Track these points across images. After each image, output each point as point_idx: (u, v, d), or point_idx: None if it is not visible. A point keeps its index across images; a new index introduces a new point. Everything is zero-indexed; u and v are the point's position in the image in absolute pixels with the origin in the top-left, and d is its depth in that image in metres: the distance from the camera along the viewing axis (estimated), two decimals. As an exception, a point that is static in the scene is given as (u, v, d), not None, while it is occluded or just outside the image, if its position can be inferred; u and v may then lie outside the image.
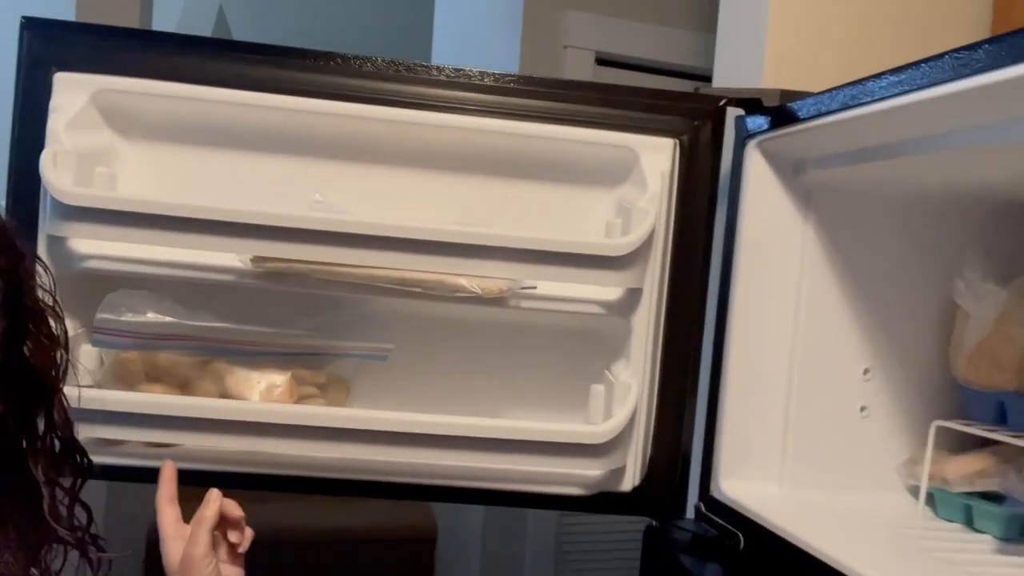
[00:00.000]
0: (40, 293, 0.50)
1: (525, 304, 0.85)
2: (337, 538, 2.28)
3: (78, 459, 0.54)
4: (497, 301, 0.82)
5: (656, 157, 0.88)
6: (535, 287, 0.84)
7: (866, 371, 0.98)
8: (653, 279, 0.87)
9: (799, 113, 0.88)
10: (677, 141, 0.91)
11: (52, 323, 0.50)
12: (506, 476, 0.87)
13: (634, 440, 0.87)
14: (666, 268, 0.91)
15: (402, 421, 0.81)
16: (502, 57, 1.98)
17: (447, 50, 2.48)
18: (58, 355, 0.51)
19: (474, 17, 2.30)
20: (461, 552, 2.30)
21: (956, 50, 0.65)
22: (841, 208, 0.95)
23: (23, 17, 0.83)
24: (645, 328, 0.86)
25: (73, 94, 0.82)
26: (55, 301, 0.51)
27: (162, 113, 0.89)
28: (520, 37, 1.88)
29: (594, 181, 0.94)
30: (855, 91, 0.78)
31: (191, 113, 0.89)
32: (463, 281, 0.79)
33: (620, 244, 0.81)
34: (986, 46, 0.62)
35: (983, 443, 0.91)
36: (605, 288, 0.85)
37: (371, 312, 0.93)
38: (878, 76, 0.75)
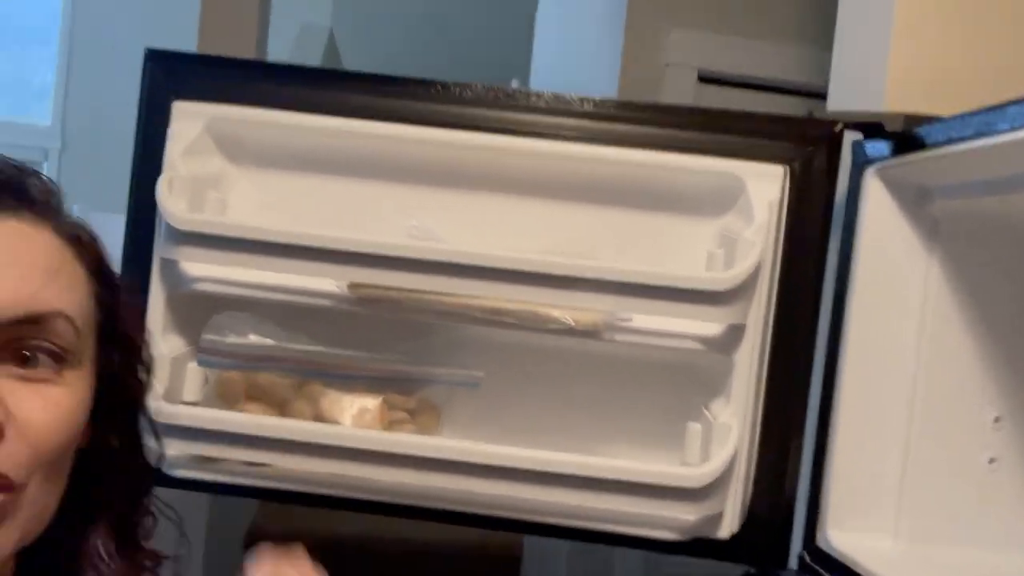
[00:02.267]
0: (136, 319, 0.51)
1: (620, 337, 0.82)
2: (422, 550, 2.30)
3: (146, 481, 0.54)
4: (591, 334, 0.80)
5: (764, 185, 0.83)
6: (630, 319, 0.81)
7: (996, 419, 0.90)
8: (758, 314, 0.82)
9: (926, 139, 0.81)
10: (788, 168, 0.86)
11: (141, 350, 0.52)
12: (596, 515, 0.84)
13: (733, 484, 0.82)
14: (772, 303, 0.85)
15: (493, 454, 0.79)
16: (602, 76, 1.96)
17: (547, 68, 2.49)
18: (145, 381, 0.52)
19: (575, 36, 2.29)
20: (546, 573, 2.26)
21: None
22: (971, 241, 0.88)
23: (147, 49, 0.88)
24: (748, 366, 0.81)
25: (189, 122, 0.86)
26: (143, 328, 0.53)
27: (270, 140, 0.92)
28: (621, 56, 1.85)
29: (697, 210, 0.90)
30: (991, 117, 0.71)
31: (297, 140, 0.92)
32: (556, 313, 0.77)
33: (723, 278, 0.77)
34: None
35: None
36: (706, 323, 0.81)
37: (464, 339, 0.92)
38: (1018, 101, 0.68)
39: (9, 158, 0.46)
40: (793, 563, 0.93)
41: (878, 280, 0.89)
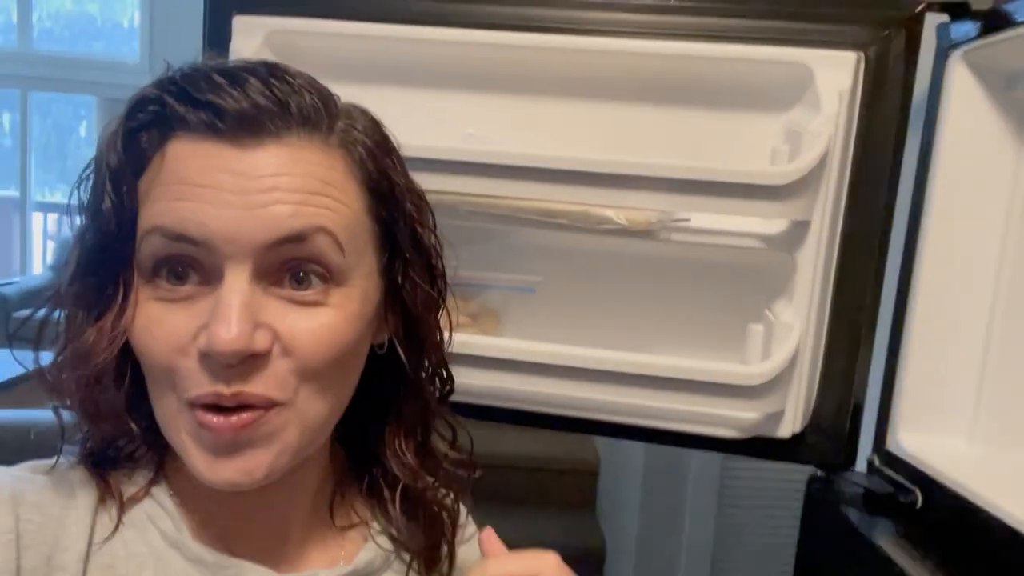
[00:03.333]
0: (420, 230, 0.51)
1: (677, 237, 0.81)
2: (501, 463, 2.39)
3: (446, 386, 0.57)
4: (647, 234, 0.79)
5: (834, 73, 0.78)
6: (688, 219, 0.79)
7: (1093, 319, 0.84)
8: (824, 210, 0.78)
9: (1017, 16, 0.74)
10: (862, 54, 0.81)
11: (428, 260, 0.52)
12: (658, 413, 0.84)
13: (795, 384, 0.81)
14: (842, 198, 0.81)
15: (550, 353, 0.80)
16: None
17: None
18: (432, 292, 0.52)
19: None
20: (622, 486, 2.32)
21: None
22: (1069, 130, 0.81)
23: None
24: (812, 264, 0.78)
25: (249, 36, 0.88)
26: (435, 237, 0.53)
27: (328, 51, 0.93)
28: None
29: (761, 105, 0.86)
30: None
31: (354, 50, 0.92)
32: (609, 213, 0.76)
33: (784, 172, 0.74)
34: None
35: None
36: (767, 220, 0.78)
37: (520, 244, 0.93)
38: None
39: (282, 75, 0.45)
40: (862, 466, 0.92)
41: (962, 176, 0.84)
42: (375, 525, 0.55)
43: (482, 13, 0.87)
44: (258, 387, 0.43)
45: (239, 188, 0.42)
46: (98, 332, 0.44)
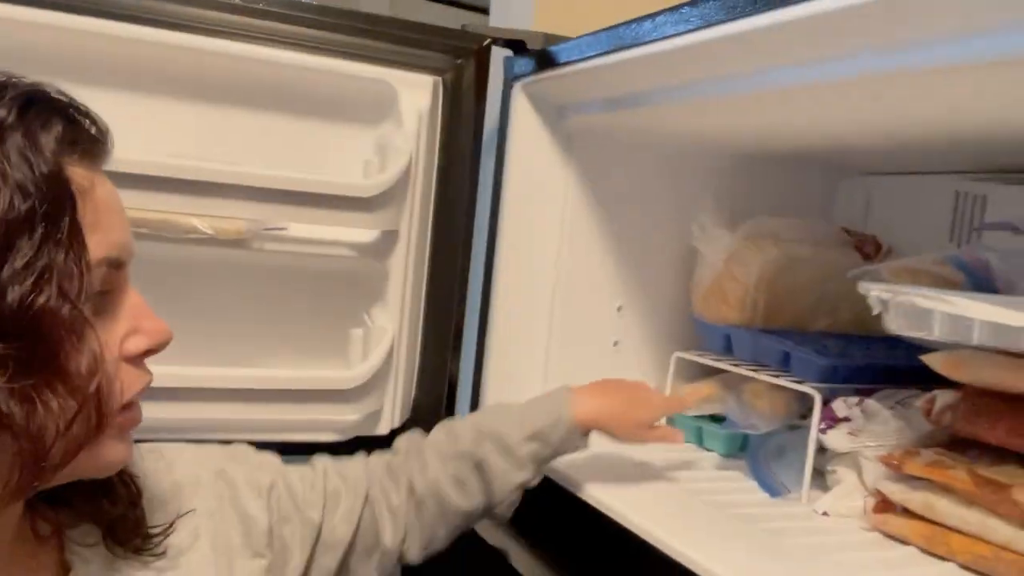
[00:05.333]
0: None
1: (271, 247, 0.80)
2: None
3: None
4: (237, 243, 0.77)
5: (415, 94, 0.85)
6: (283, 229, 0.79)
7: (619, 308, 1.05)
8: (411, 220, 0.85)
9: (558, 58, 0.89)
10: (440, 79, 0.89)
11: None
12: (264, 426, 0.83)
13: (391, 384, 0.86)
14: (428, 210, 0.89)
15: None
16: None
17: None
18: None
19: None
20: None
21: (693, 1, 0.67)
22: (597, 154, 0.99)
23: None
24: (402, 271, 0.84)
25: None
26: None
27: None
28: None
29: (354, 117, 0.90)
30: (608, 37, 0.79)
31: None
32: (196, 222, 0.73)
33: (371, 184, 0.78)
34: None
35: (713, 371, 1.01)
36: (359, 230, 0.82)
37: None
38: (628, 24, 0.76)
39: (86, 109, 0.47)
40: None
41: (527, 188, 0.98)
42: (71, 534, 0.52)
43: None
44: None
45: (121, 207, 0.47)
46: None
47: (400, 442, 0.72)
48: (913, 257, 0.83)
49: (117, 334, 0.46)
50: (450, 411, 0.97)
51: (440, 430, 0.73)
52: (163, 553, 0.52)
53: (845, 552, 0.71)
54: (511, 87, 0.97)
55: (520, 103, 0.96)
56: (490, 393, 0.98)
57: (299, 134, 0.87)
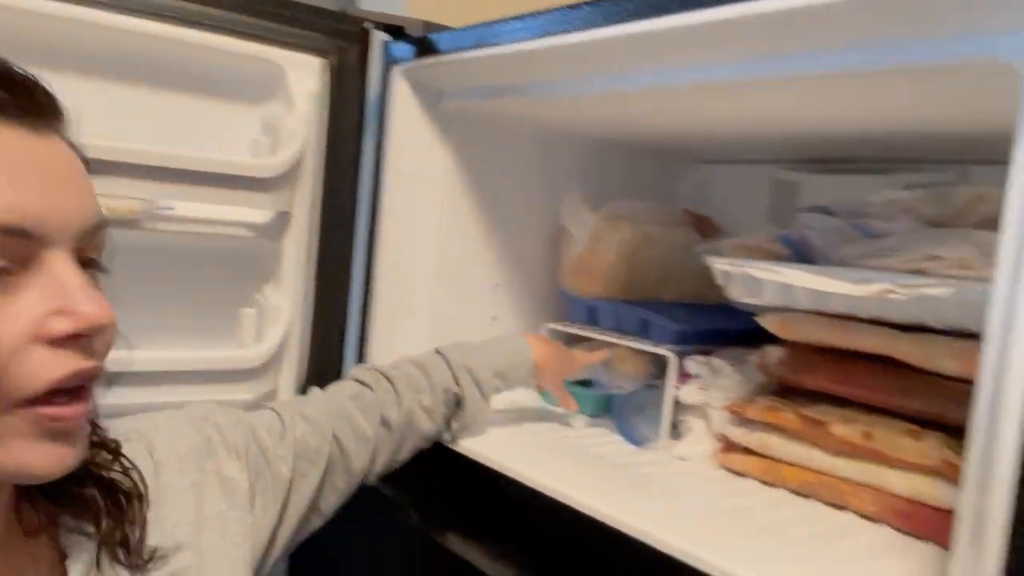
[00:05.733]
0: None
1: (164, 227, 0.79)
2: None
3: None
4: (128, 223, 0.75)
5: (304, 76, 0.86)
6: (171, 208, 0.78)
7: (496, 285, 1.12)
8: (304, 201, 0.86)
9: (439, 46, 0.93)
10: (326, 62, 0.91)
11: None
12: (160, 408, 0.81)
13: (287, 361, 0.88)
14: (318, 190, 0.91)
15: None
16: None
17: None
18: None
19: None
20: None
21: (567, 7, 0.75)
22: (474, 138, 1.05)
23: None
24: (296, 251, 0.86)
25: None
26: None
27: None
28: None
29: (238, 96, 0.89)
30: (485, 32, 0.85)
31: None
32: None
33: (268, 165, 0.79)
34: (586, 8, 0.73)
35: (580, 340, 1.12)
36: (255, 210, 0.83)
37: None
38: (505, 21, 0.83)
39: (18, 68, 0.45)
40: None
41: (407, 170, 1.01)
42: (65, 522, 0.51)
43: None
44: (98, 360, 0.45)
45: (51, 174, 0.43)
46: None
47: (365, 376, 0.79)
48: (749, 235, 0.97)
49: (30, 313, 0.42)
50: (337, 386, 1.00)
51: (408, 365, 0.81)
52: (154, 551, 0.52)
53: (698, 486, 0.84)
54: (390, 70, 1.00)
55: (399, 86, 0.99)
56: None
57: (181, 111, 0.85)
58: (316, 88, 0.87)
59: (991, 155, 0.90)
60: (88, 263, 0.46)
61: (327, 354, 0.95)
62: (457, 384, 0.81)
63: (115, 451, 0.54)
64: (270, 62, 0.85)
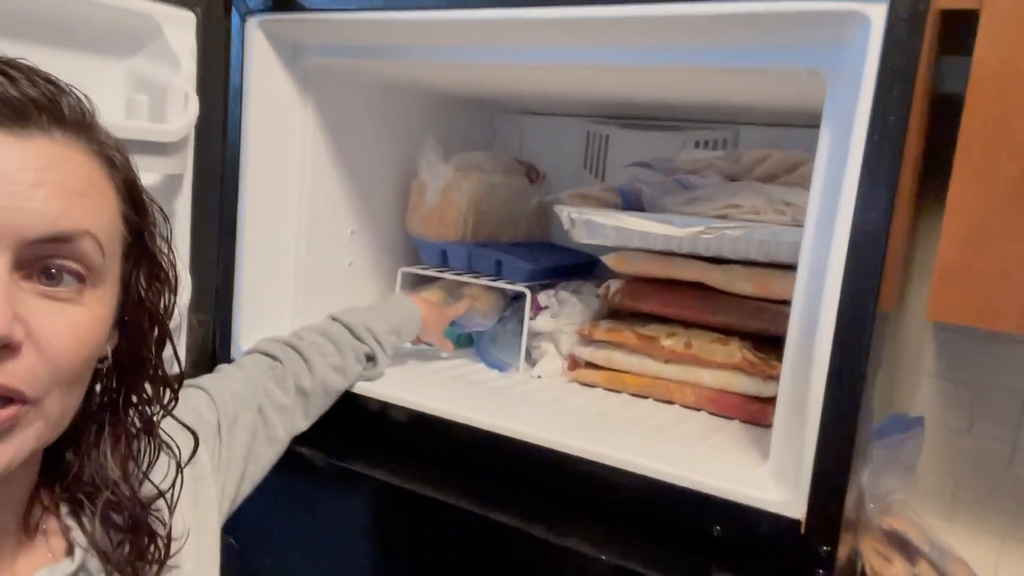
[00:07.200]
0: (161, 242, 0.52)
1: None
2: None
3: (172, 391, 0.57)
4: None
5: (181, 31, 0.83)
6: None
7: (352, 232, 1.18)
8: (189, 162, 0.85)
9: (306, 3, 0.94)
10: (196, 13, 0.87)
11: (165, 268, 0.52)
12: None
13: (183, 326, 0.87)
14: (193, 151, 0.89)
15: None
16: None
17: None
18: (168, 303, 0.53)
19: None
20: None
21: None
22: (333, 93, 1.08)
23: None
24: (186, 215, 0.85)
25: None
26: (170, 248, 0.53)
27: None
28: None
29: (101, 49, 0.83)
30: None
31: None
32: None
33: (173, 130, 0.77)
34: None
35: (434, 281, 1.22)
36: (147, 174, 0.80)
37: None
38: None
39: (46, 75, 0.45)
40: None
41: (267, 123, 1.01)
42: (77, 535, 0.52)
43: None
44: (7, 378, 0.42)
45: (6, 178, 0.41)
46: None
47: (272, 348, 0.85)
48: (588, 186, 1.15)
49: None
50: (216, 342, 1.01)
51: (311, 333, 0.89)
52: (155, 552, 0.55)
53: (556, 396, 1.02)
54: (245, 21, 0.98)
55: (256, 38, 0.98)
56: (244, 318, 1.02)
57: (47, 65, 0.77)
58: (193, 44, 0.84)
59: (767, 120, 1.16)
60: (53, 274, 0.43)
61: (210, 307, 0.96)
62: (364, 343, 0.92)
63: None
64: (142, 15, 0.81)
